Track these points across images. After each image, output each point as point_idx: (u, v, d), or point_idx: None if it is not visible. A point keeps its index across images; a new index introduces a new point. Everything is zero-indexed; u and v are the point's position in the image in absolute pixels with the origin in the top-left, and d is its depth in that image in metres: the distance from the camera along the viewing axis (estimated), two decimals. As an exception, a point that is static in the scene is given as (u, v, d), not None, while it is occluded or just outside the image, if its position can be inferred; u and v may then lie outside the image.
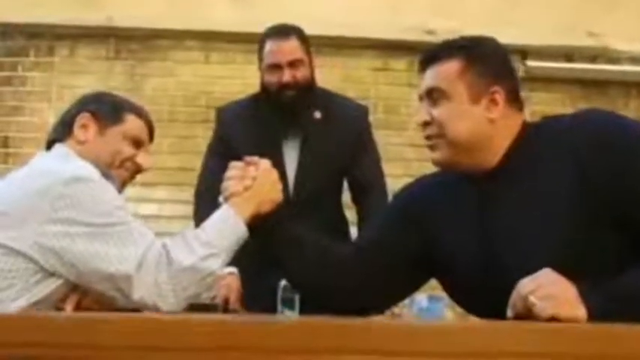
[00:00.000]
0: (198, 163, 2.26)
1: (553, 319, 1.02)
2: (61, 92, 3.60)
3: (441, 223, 1.29)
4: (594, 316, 1.02)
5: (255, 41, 2.17)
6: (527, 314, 1.03)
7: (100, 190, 1.26)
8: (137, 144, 1.47)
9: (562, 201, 1.14)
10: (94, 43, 3.61)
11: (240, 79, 3.38)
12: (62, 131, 1.45)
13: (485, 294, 1.18)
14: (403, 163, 3.34)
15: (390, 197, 2.08)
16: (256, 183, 1.33)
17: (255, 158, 1.35)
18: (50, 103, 3.54)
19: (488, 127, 1.25)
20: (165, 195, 3.58)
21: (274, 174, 1.36)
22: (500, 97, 1.26)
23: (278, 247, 1.35)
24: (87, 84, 3.55)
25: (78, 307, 1.27)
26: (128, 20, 3.52)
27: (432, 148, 1.29)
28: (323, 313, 1.34)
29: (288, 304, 1.74)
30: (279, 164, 2.03)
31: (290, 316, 1.70)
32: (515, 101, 1.29)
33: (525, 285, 1.05)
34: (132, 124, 1.46)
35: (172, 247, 1.25)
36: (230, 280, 2.04)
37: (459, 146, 1.25)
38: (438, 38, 3.37)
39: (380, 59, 3.61)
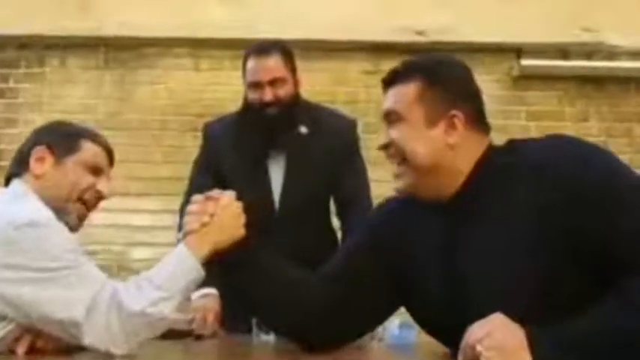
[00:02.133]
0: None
1: None
2: (52, 103, 3.61)
3: (407, 250, 1.27)
4: None
5: (244, 46, 2.15)
6: None
7: (51, 234, 1.24)
8: (96, 171, 1.44)
9: (524, 230, 1.11)
10: (84, 53, 3.61)
11: (230, 85, 3.35)
12: (19, 166, 1.44)
13: (448, 325, 1.17)
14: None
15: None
16: (215, 220, 1.30)
17: (216, 192, 1.32)
18: (42, 114, 3.54)
19: (447, 151, 1.22)
20: (158, 205, 3.58)
21: (235, 208, 1.33)
22: (459, 121, 1.23)
23: (242, 285, 1.33)
24: (78, 94, 3.59)
25: (31, 349, 1.26)
26: (117, 29, 3.51)
27: (396, 176, 1.26)
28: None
29: (264, 327, 1.67)
30: (264, 181, 2.05)
31: (264, 340, 1.66)
32: (478, 123, 1.26)
33: (473, 332, 1.03)
34: (88, 151, 1.44)
35: (123, 291, 1.23)
36: (205, 302, 1.98)
37: (420, 170, 1.22)
38: (429, 39, 3.40)
39: (370, 61, 3.54)
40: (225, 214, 1.31)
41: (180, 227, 1.68)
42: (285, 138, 2.08)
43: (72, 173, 1.40)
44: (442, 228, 1.23)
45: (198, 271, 1.28)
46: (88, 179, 1.42)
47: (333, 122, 2.15)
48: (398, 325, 1.56)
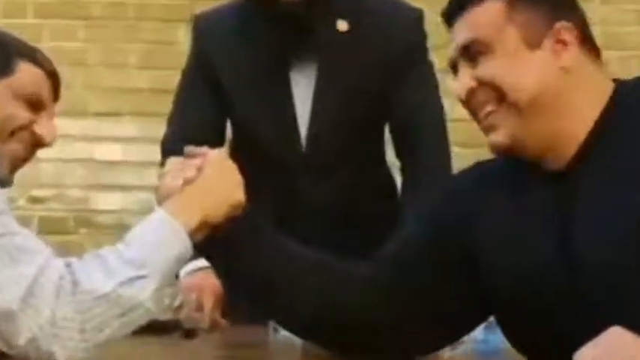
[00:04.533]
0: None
1: None
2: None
3: (502, 234, 1.31)
4: None
5: None
6: None
7: None
8: (35, 105, 1.47)
9: None
10: None
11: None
12: None
13: (552, 334, 1.23)
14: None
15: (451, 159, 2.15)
16: (203, 176, 1.34)
17: (203, 149, 1.37)
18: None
19: (561, 78, 1.27)
20: (132, 130, 3.62)
21: (230, 165, 1.38)
22: (569, 34, 1.28)
23: (252, 275, 1.38)
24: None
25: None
26: None
27: (488, 127, 1.30)
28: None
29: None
30: (283, 102, 2.09)
31: (286, 338, 1.69)
32: (592, 43, 1.31)
33: (583, 356, 1.06)
34: (24, 75, 1.46)
35: (80, 268, 1.25)
36: (199, 280, 1.98)
37: (528, 109, 1.26)
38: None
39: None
40: (216, 171, 1.36)
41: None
42: (316, 38, 2.10)
43: (2, 104, 1.43)
44: (553, 199, 1.28)
45: (184, 243, 1.29)
46: (22, 115, 1.45)
47: (386, 14, 2.18)
48: (483, 327, 1.62)
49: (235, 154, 1.93)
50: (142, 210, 3.38)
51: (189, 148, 1.38)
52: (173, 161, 1.38)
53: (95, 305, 1.22)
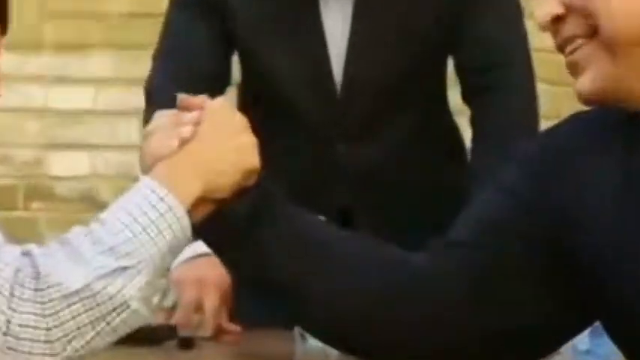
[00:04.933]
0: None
1: None
2: None
3: (613, 212, 1.30)
4: None
5: None
6: None
7: None
8: None
9: None
10: None
11: None
12: None
13: None
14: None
15: (538, 102, 2.16)
16: (203, 134, 1.33)
17: (202, 97, 1.37)
18: None
19: None
20: (105, 68, 3.60)
21: (240, 120, 1.37)
22: None
23: (270, 265, 1.37)
24: None
25: None
26: None
27: (573, 67, 1.29)
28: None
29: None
30: (314, 42, 2.10)
31: (313, 348, 1.70)
32: None
33: None
34: None
35: (43, 257, 1.24)
36: (202, 270, 1.98)
37: (624, 49, 1.24)
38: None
39: None
40: (220, 128, 1.36)
41: (146, 118, 1.77)
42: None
43: None
44: None
45: (180, 223, 1.28)
46: None
47: None
48: (587, 333, 1.61)
49: (245, 106, 1.97)
50: (116, 176, 3.48)
51: (183, 97, 1.36)
52: (162, 114, 1.37)
53: (65, 307, 1.21)
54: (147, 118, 2.07)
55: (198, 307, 1.96)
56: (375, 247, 1.43)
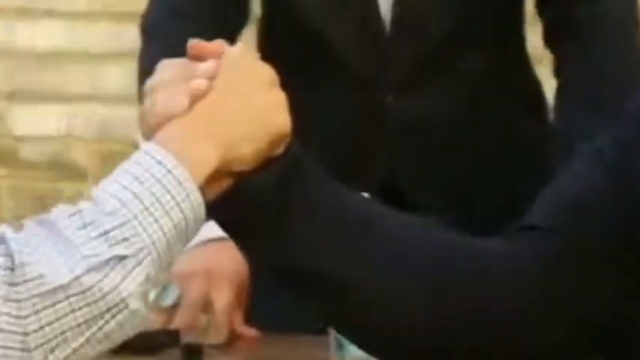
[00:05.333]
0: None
1: None
2: None
3: None
4: None
5: None
6: None
7: None
8: None
9: None
10: None
11: None
12: None
13: None
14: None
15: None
16: (220, 89, 1.30)
17: (217, 43, 1.33)
18: None
19: None
20: (103, 37, 3.59)
21: (266, 71, 1.33)
22: None
23: (303, 252, 1.34)
24: None
25: None
26: None
27: None
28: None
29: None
30: None
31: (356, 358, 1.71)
32: None
33: None
34: None
35: (20, 243, 1.21)
36: (211, 259, 1.99)
37: None
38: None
39: None
40: (241, 81, 1.33)
41: (143, 58, 1.97)
42: None
43: None
44: None
45: (192, 201, 1.25)
46: None
47: None
48: None
49: (267, 50, 1.94)
50: (97, 137, 3.47)
51: (195, 42, 1.31)
52: (168, 64, 1.32)
53: (47, 306, 1.19)
54: (144, 64, 2.08)
55: (207, 307, 1.95)
56: (437, 231, 1.40)
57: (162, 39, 2.09)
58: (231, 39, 1.69)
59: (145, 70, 1.98)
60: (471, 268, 1.37)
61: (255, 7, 2.13)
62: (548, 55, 2.15)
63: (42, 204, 3.41)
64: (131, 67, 2.19)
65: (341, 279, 1.34)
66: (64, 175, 3.54)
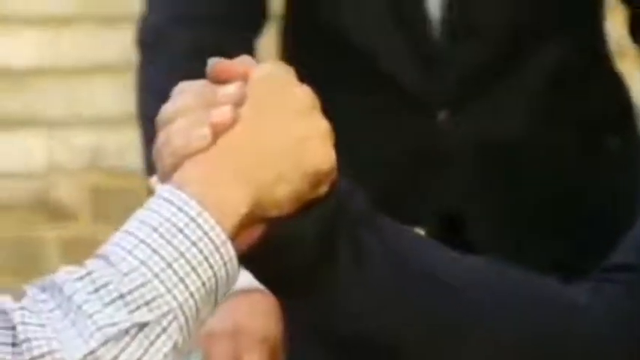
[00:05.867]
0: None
1: None
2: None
3: None
4: None
5: None
6: None
7: None
8: None
9: None
10: None
11: None
12: None
13: None
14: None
15: None
16: (247, 115, 1.25)
17: (243, 60, 1.26)
18: None
19: None
20: (83, 48, 3.55)
21: (303, 92, 1.26)
22: None
23: (354, 312, 1.30)
24: None
25: None
26: None
27: None
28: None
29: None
30: None
31: None
32: None
33: None
34: None
35: (23, 313, 1.13)
36: (241, 318, 2.01)
37: None
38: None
39: None
40: (275, 108, 1.27)
41: (142, 113, 2.03)
42: None
43: None
44: None
45: (221, 254, 1.18)
46: None
47: None
48: None
49: (294, 57, 1.98)
50: (86, 168, 3.37)
51: (216, 61, 1.26)
52: (185, 88, 1.29)
53: None
54: (147, 87, 2.08)
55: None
56: (517, 278, 1.32)
57: (168, 53, 2.08)
58: (252, 47, 1.69)
59: (149, 95, 2.05)
60: (567, 325, 1.29)
61: (275, 5, 2.07)
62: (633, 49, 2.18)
63: (22, 253, 3.34)
64: (120, 81, 2.06)
65: (403, 349, 1.29)
66: (47, 217, 3.45)
